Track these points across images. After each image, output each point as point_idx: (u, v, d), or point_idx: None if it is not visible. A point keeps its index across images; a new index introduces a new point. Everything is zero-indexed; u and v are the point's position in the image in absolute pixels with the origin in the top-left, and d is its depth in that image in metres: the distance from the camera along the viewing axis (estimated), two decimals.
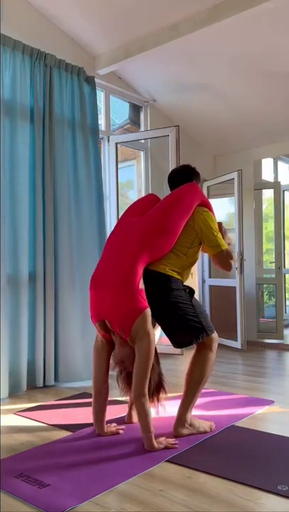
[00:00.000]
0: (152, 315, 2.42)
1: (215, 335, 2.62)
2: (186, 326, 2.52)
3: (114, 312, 2.35)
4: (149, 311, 2.36)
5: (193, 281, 6.80)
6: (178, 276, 2.57)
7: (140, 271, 2.40)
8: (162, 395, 2.54)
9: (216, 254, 2.64)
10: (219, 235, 2.65)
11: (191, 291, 2.63)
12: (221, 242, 2.63)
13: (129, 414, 2.79)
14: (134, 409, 2.73)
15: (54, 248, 3.73)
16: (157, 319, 2.54)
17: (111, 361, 2.54)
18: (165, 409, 2.56)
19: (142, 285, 2.41)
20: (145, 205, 2.71)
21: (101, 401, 2.53)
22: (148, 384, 2.37)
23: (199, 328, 2.53)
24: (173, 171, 2.92)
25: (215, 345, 2.61)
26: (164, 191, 4.78)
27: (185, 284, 2.64)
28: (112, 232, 2.63)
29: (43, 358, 3.64)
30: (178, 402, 2.57)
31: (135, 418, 2.70)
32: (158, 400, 2.51)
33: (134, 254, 2.40)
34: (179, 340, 2.59)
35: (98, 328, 2.47)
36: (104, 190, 4.34)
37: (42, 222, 3.66)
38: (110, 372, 2.56)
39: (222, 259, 2.66)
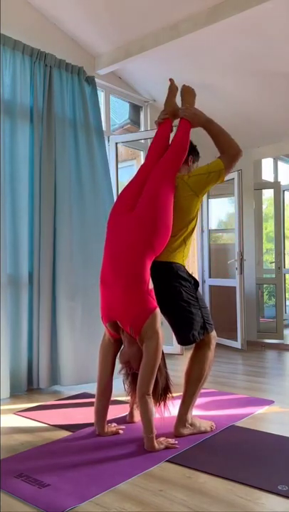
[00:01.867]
0: (159, 307, 2.43)
1: (214, 333, 2.62)
2: (189, 319, 2.52)
3: (126, 313, 2.36)
4: (158, 311, 2.39)
5: None
6: (180, 261, 2.58)
7: (148, 271, 2.41)
8: (168, 396, 2.53)
9: (226, 171, 2.63)
10: (208, 167, 2.62)
11: (196, 284, 2.63)
12: (217, 167, 2.60)
13: (131, 413, 2.79)
14: (135, 409, 2.73)
15: (51, 248, 3.71)
16: (163, 311, 2.54)
17: (117, 361, 2.54)
18: (170, 412, 2.56)
19: (151, 285, 2.42)
20: (137, 188, 2.61)
21: (104, 400, 2.54)
22: (155, 387, 2.37)
23: (201, 323, 2.53)
24: None
25: (213, 344, 2.61)
26: None
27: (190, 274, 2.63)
28: (110, 229, 2.57)
29: (44, 358, 3.63)
30: (178, 402, 2.57)
31: (137, 417, 2.70)
32: (164, 403, 2.51)
33: (139, 254, 2.40)
34: (182, 336, 2.58)
35: (108, 328, 2.48)
36: None
37: (41, 222, 3.65)
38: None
39: (231, 165, 2.66)
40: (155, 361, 2.32)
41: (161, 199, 2.48)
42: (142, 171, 2.68)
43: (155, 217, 2.44)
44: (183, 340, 2.60)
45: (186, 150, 2.70)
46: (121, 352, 2.50)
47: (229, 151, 2.65)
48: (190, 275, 2.62)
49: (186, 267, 2.65)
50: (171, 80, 2.95)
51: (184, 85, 2.91)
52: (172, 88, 2.94)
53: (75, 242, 3.81)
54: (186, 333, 2.55)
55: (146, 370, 2.31)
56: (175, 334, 2.63)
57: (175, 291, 2.51)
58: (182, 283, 2.53)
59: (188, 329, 2.53)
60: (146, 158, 2.77)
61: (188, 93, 2.89)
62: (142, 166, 2.75)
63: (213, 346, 2.60)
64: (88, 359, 3.54)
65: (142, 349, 2.37)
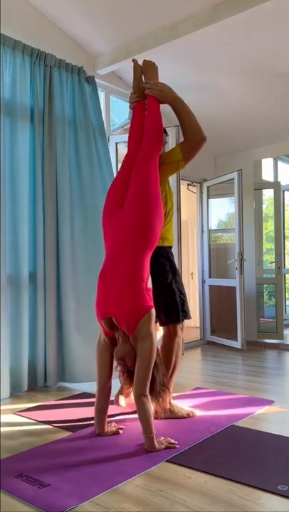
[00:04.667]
0: None
1: (182, 325, 2.75)
2: (170, 298, 2.63)
3: (122, 309, 2.36)
4: (154, 311, 2.38)
5: (193, 281, 6.82)
6: (163, 242, 2.66)
7: (147, 268, 2.41)
8: (166, 396, 2.54)
9: (186, 161, 2.63)
10: (167, 156, 2.65)
11: (174, 269, 2.70)
12: (175, 158, 2.61)
13: (117, 397, 2.88)
14: (123, 396, 2.86)
15: (55, 248, 3.72)
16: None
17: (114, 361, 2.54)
18: (168, 410, 2.56)
19: (149, 284, 2.42)
20: (124, 182, 2.59)
21: (103, 401, 2.53)
22: (153, 384, 2.37)
23: (181, 308, 2.64)
24: None
25: (179, 335, 2.73)
26: None
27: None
28: (106, 228, 2.58)
29: (44, 358, 3.64)
30: (179, 402, 2.57)
31: (122, 402, 2.81)
32: (162, 400, 2.50)
33: (137, 252, 2.40)
34: (168, 313, 2.66)
35: (103, 326, 2.47)
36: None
37: (42, 222, 3.66)
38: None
39: (192, 153, 2.63)
40: (150, 363, 2.31)
41: (150, 191, 2.48)
42: (126, 162, 2.65)
43: (147, 214, 2.44)
44: (168, 317, 2.67)
45: (161, 131, 2.65)
46: (115, 348, 2.49)
47: (194, 136, 2.61)
48: (169, 260, 2.69)
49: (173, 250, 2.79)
50: (134, 60, 2.85)
51: (144, 61, 2.82)
52: (136, 69, 2.83)
53: (76, 241, 3.81)
54: (171, 311, 2.64)
55: (141, 372, 2.31)
56: (160, 315, 2.67)
57: (157, 273, 2.59)
58: (161, 262, 2.63)
59: (172, 310, 2.64)
60: (128, 148, 2.73)
61: (149, 68, 2.79)
62: (125, 157, 2.71)
63: (178, 338, 2.70)
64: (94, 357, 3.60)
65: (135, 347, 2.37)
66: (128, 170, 2.60)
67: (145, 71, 2.80)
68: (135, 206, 2.46)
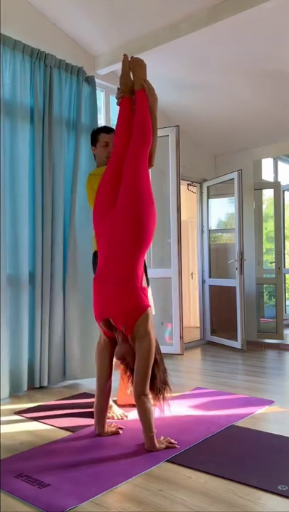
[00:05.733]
0: None
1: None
2: None
3: (118, 309, 2.35)
4: (150, 310, 2.37)
5: (193, 281, 6.82)
6: None
7: (141, 267, 2.40)
8: (167, 393, 2.52)
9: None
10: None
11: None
12: None
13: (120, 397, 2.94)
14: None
15: (53, 248, 3.72)
16: None
17: (114, 361, 2.54)
18: (170, 408, 2.54)
19: (144, 283, 2.41)
20: (114, 180, 2.56)
21: (103, 401, 2.53)
22: (154, 382, 2.37)
23: None
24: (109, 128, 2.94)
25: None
26: (163, 191, 4.78)
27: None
28: (97, 227, 2.56)
29: (44, 357, 3.64)
30: (180, 402, 2.57)
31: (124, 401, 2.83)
32: (163, 398, 2.50)
33: (130, 251, 2.39)
34: None
35: (102, 327, 2.47)
36: None
37: (42, 222, 3.66)
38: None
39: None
40: (148, 362, 2.31)
41: (141, 189, 2.46)
42: (113, 160, 2.61)
43: (139, 213, 2.42)
44: None
45: (149, 128, 2.61)
46: (116, 349, 2.48)
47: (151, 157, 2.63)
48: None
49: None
50: (125, 55, 2.80)
51: (132, 57, 2.79)
52: (125, 64, 2.78)
53: (78, 242, 3.82)
54: None
55: (140, 372, 2.30)
56: None
57: None
58: None
59: None
60: (114, 146, 2.69)
61: (137, 65, 2.75)
62: (112, 154, 2.67)
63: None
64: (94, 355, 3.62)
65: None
66: (116, 168, 2.56)
67: (133, 68, 2.77)
68: (127, 206, 2.44)
